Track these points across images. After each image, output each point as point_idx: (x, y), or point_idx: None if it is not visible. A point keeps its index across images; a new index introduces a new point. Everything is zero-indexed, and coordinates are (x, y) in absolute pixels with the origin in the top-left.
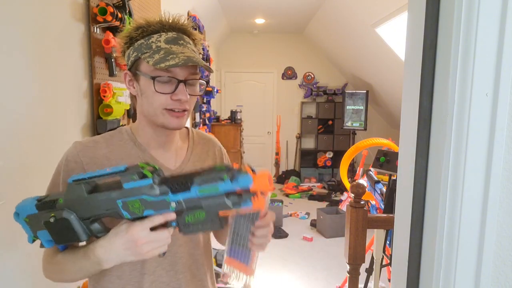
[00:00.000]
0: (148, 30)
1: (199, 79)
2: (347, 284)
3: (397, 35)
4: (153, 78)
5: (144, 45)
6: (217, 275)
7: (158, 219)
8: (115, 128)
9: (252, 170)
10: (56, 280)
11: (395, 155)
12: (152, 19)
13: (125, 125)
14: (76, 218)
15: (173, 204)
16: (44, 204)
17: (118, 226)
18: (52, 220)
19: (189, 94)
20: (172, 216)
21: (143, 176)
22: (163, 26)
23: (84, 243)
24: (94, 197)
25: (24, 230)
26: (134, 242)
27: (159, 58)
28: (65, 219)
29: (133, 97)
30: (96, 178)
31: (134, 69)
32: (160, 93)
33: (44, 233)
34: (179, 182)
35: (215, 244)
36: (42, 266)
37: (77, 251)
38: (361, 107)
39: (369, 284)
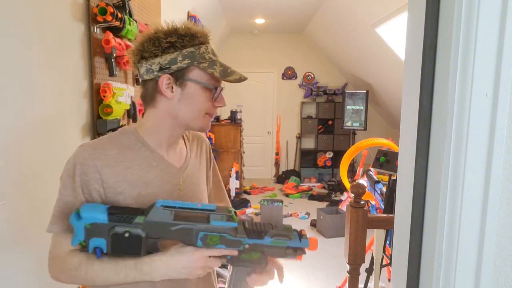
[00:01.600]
0: (196, 39)
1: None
2: (347, 284)
3: (397, 35)
4: (214, 88)
5: (196, 54)
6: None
7: (224, 252)
8: (115, 129)
9: (303, 234)
10: (74, 283)
11: (395, 155)
12: (191, 25)
13: (125, 125)
14: (146, 237)
15: (247, 246)
16: (120, 218)
17: (179, 247)
18: (126, 235)
19: None
20: (235, 253)
21: (230, 218)
22: (206, 37)
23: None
24: (178, 224)
25: (75, 232)
26: (194, 264)
27: (221, 70)
28: (138, 236)
29: (151, 99)
30: (186, 209)
31: (181, 74)
32: (208, 99)
33: (101, 242)
34: (255, 231)
35: None
36: (55, 268)
37: (122, 261)
38: (361, 107)
39: (369, 284)
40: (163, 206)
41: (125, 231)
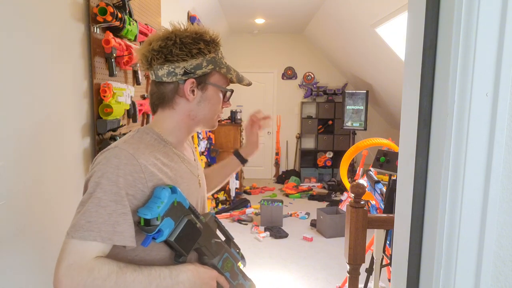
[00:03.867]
0: (216, 44)
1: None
2: (347, 284)
3: (397, 35)
4: (229, 91)
5: (217, 59)
6: None
7: (226, 282)
8: (115, 129)
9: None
10: None
11: (395, 155)
12: (208, 29)
13: (125, 125)
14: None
15: (240, 282)
16: (194, 211)
17: (207, 268)
18: (197, 225)
19: None
20: (228, 286)
21: (239, 252)
22: (220, 41)
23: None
24: (218, 238)
25: (160, 204)
26: (212, 282)
27: (236, 75)
28: (199, 232)
29: (168, 101)
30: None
31: (204, 79)
32: (223, 102)
33: (170, 224)
34: (244, 273)
35: None
36: (73, 279)
37: (155, 271)
38: (361, 107)
39: (369, 284)
40: (215, 217)
41: (195, 222)
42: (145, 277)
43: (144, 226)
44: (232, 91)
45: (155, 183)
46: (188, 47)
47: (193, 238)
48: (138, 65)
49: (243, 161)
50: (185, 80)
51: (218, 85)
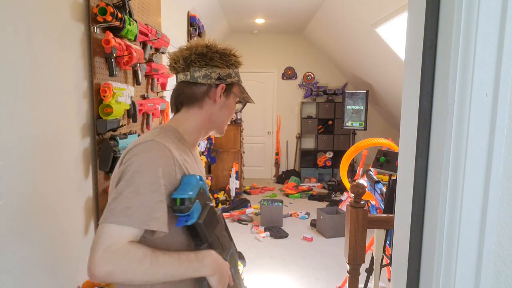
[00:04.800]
0: (239, 63)
1: None
2: (347, 284)
3: (397, 35)
4: (245, 101)
5: (239, 74)
6: None
7: (231, 278)
8: (115, 129)
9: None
10: (128, 279)
11: (395, 155)
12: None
13: (124, 125)
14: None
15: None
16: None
17: (221, 258)
18: (218, 212)
19: None
20: (232, 283)
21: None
22: None
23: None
24: (228, 231)
25: (192, 188)
26: (227, 272)
27: (247, 95)
28: (218, 221)
29: (197, 101)
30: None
31: (229, 87)
32: (235, 111)
33: (198, 208)
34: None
35: None
36: (109, 261)
37: (184, 254)
38: (361, 107)
39: (369, 284)
40: (221, 213)
41: (216, 211)
42: (175, 259)
43: (180, 206)
44: (245, 104)
45: (181, 175)
46: (226, 58)
47: (214, 225)
48: (166, 65)
49: None
50: (217, 84)
51: (238, 95)
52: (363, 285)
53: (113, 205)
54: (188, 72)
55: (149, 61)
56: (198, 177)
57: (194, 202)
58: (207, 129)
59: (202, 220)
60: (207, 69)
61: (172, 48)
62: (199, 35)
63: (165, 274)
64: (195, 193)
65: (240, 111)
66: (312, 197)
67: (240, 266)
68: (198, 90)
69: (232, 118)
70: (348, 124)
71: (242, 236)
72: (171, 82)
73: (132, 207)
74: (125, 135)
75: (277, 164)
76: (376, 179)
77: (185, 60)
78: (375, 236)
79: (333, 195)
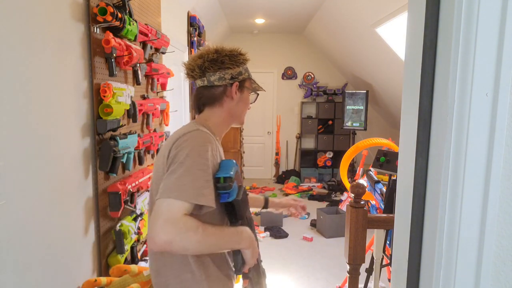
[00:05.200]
0: (246, 58)
1: None
2: (347, 284)
3: (397, 35)
4: (257, 94)
5: (248, 69)
6: None
7: (259, 256)
8: (115, 129)
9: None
10: (184, 247)
11: (395, 155)
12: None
13: (124, 125)
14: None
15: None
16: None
17: (253, 235)
18: (247, 193)
19: None
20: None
21: None
22: None
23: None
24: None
25: (232, 169)
26: (256, 249)
27: (257, 85)
28: (248, 201)
29: (217, 100)
30: None
31: (242, 83)
32: (251, 102)
33: (236, 186)
34: None
35: None
36: (170, 232)
37: (226, 228)
38: (361, 107)
39: (369, 284)
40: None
41: (247, 192)
42: (220, 231)
43: (224, 183)
44: (258, 94)
45: (220, 160)
46: (235, 58)
47: (246, 204)
48: (185, 73)
49: (265, 207)
50: (232, 83)
51: (250, 89)
52: (363, 285)
53: (170, 183)
54: (204, 78)
55: (149, 61)
56: (234, 161)
57: (233, 181)
58: (229, 122)
59: (240, 197)
60: (221, 72)
61: (172, 48)
62: (199, 35)
63: (212, 244)
64: (234, 173)
65: (255, 101)
66: (312, 197)
67: None
68: (216, 92)
69: (249, 108)
70: (348, 124)
71: None
72: (171, 82)
73: (185, 184)
74: (125, 135)
75: (277, 164)
76: (376, 179)
77: (200, 68)
78: (375, 236)
79: (333, 195)
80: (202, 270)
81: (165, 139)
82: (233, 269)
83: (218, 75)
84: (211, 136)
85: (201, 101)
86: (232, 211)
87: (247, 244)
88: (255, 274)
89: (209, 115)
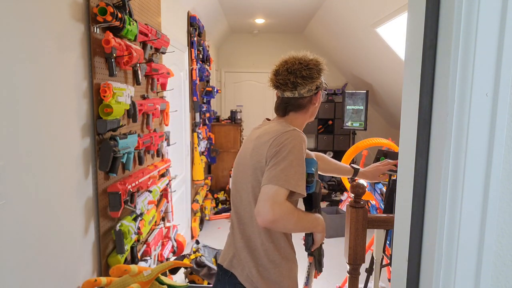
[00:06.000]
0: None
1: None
2: (347, 284)
3: (397, 35)
4: (327, 92)
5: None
6: None
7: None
8: (115, 129)
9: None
10: (284, 227)
11: (395, 155)
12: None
13: (124, 125)
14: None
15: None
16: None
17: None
18: (323, 185)
19: None
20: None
21: None
22: None
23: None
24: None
25: (315, 167)
26: (324, 233)
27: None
28: (321, 195)
29: (304, 107)
30: None
31: (321, 89)
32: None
33: (315, 181)
34: None
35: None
36: (277, 212)
37: (308, 214)
38: (361, 107)
39: (369, 284)
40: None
41: (321, 184)
42: (306, 216)
43: (308, 178)
44: (326, 92)
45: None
46: (320, 71)
47: (320, 196)
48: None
49: (355, 174)
50: (316, 92)
51: (322, 89)
52: (363, 285)
53: (275, 174)
54: (295, 91)
55: (149, 61)
56: (315, 159)
57: (314, 177)
58: (308, 121)
59: (318, 190)
60: (309, 85)
61: (172, 48)
62: (199, 35)
63: (302, 226)
64: (315, 171)
65: (325, 99)
66: None
67: None
68: (303, 102)
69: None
70: (348, 124)
71: None
72: (171, 82)
73: (288, 175)
74: (125, 135)
75: None
76: None
77: (293, 84)
78: (375, 236)
79: (333, 195)
80: (283, 250)
81: (165, 139)
82: (301, 248)
83: (308, 87)
84: (305, 136)
85: (288, 108)
86: (309, 200)
87: (321, 228)
88: (318, 253)
89: (294, 118)
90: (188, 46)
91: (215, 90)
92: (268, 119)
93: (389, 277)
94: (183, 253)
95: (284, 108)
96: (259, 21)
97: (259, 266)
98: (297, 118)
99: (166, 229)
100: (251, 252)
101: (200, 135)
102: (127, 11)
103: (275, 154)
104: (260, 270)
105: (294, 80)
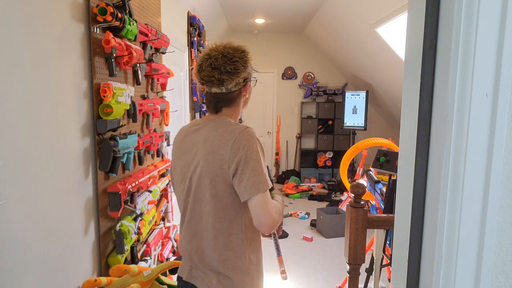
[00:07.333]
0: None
1: None
2: (347, 284)
3: (397, 35)
4: (256, 80)
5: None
6: None
7: None
8: (115, 129)
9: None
10: (279, 218)
11: (395, 155)
12: (240, 43)
13: (124, 125)
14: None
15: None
16: None
17: None
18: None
19: None
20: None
21: None
22: None
23: None
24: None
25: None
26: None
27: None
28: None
29: (234, 101)
30: None
31: (248, 79)
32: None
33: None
34: None
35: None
36: (274, 212)
37: (274, 197)
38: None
39: (369, 284)
40: None
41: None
42: (276, 200)
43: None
44: (256, 79)
45: None
46: (245, 62)
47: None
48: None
49: None
50: (245, 84)
51: (251, 78)
52: (363, 285)
53: (259, 180)
54: (222, 87)
55: (149, 61)
56: None
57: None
58: (241, 111)
59: (268, 173)
60: (236, 79)
61: (172, 48)
62: (199, 35)
63: (282, 210)
64: None
65: (255, 85)
66: (312, 197)
67: None
68: (233, 96)
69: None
70: (348, 124)
71: None
72: (171, 82)
73: (263, 178)
74: (125, 135)
75: (277, 164)
76: (376, 179)
77: (219, 80)
78: (375, 236)
79: (333, 195)
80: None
81: (165, 139)
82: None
83: (235, 82)
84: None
85: (219, 104)
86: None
87: (283, 205)
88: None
89: (229, 113)
90: (188, 46)
91: None
92: (195, 119)
93: (389, 277)
94: None
95: (215, 104)
96: (259, 21)
97: (219, 276)
98: (233, 112)
99: (166, 229)
100: (209, 263)
101: None
102: (127, 11)
103: (245, 159)
104: (221, 279)
105: (219, 77)
